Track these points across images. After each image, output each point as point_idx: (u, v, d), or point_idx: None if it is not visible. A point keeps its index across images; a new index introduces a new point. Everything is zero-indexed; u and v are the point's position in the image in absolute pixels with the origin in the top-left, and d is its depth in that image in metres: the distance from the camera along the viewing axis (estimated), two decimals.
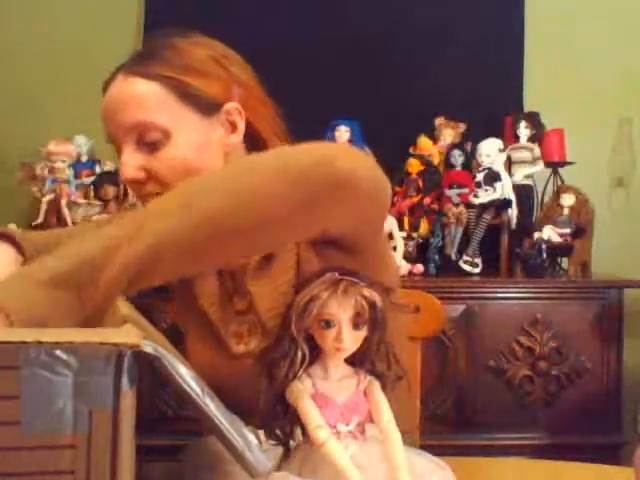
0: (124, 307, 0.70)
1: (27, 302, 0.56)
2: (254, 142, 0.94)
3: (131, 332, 0.45)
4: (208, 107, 0.89)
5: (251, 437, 0.52)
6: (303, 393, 0.59)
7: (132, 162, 0.86)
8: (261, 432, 0.61)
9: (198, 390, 0.48)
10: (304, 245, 0.88)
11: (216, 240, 0.65)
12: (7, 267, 0.82)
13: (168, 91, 0.87)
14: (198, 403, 0.48)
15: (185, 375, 0.47)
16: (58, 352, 0.41)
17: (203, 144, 0.88)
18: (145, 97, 0.86)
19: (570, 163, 2.38)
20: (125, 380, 0.43)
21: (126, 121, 0.86)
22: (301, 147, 0.70)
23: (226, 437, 0.51)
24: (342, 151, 0.70)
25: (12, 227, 2.19)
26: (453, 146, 2.37)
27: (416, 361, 1.19)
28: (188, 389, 0.47)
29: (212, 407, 0.49)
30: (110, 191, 2.26)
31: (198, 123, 0.88)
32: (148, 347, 0.43)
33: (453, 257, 2.23)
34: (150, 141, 0.86)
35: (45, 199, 2.27)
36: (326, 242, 0.81)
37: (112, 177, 2.30)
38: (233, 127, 0.91)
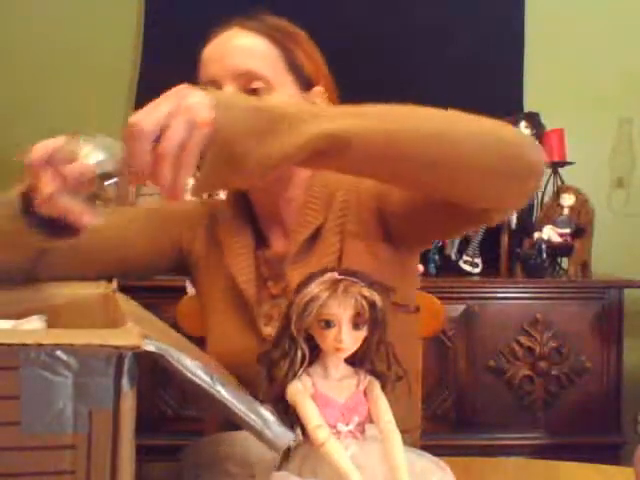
0: (127, 304, 0.69)
1: (231, 107, 0.62)
2: None
3: (132, 332, 0.45)
4: (305, 83, 0.94)
5: (267, 414, 0.53)
6: (303, 393, 0.59)
7: None
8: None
9: (207, 379, 0.48)
10: (352, 235, 0.91)
11: (400, 162, 0.67)
12: None
13: (278, 52, 0.92)
14: (209, 391, 0.48)
15: (192, 367, 0.47)
16: (58, 353, 0.41)
17: None
18: (258, 48, 0.91)
19: (570, 163, 2.38)
20: (125, 381, 0.43)
21: (237, 66, 0.89)
22: (507, 125, 0.73)
23: (243, 419, 0.51)
24: (537, 145, 0.76)
25: None
26: None
27: (419, 362, 1.19)
28: (197, 380, 0.47)
29: (224, 392, 0.49)
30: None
31: (295, 92, 0.93)
32: (150, 345, 0.43)
33: (453, 257, 2.23)
34: (254, 88, 0.89)
35: None
36: (379, 237, 0.87)
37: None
38: None
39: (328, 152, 0.63)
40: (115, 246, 0.96)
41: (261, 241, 0.97)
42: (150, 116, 0.61)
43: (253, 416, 0.52)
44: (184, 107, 0.61)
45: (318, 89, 0.95)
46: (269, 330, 0.91)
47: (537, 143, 0.77)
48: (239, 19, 0.95)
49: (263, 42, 0.92)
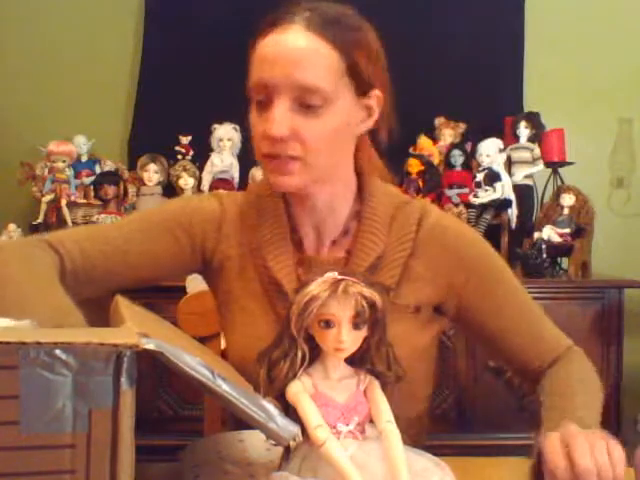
0: (126, 306, 0.69)
1: None
2: (374, 136, 0.96)
3: (130, 331, 0.45)
4: (363, 88, 0.89)
5: (270, 407, 0.53)
6: (303, 393, 0.59)
7: (286, 119, 0.84)
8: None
9: (208, 374, 0.48)
10: (413, 277, 0.91)
11: None
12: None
13: (342, 62, 0.86)
14: (210, 386, 0.48)
15: (192, 363, 0.47)
16: (57, 352, 0.41)
17: (349, 120, 0.89)
18: (324, 61, 0.85)
19: (570, 163, 2.38)
20: (124, 380, 0.43)
21: (297, 77, 0.84)
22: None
23: (246, 412, 0.51)
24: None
25: (12, 227, 2.19)
26: (453, 146, 2.37)
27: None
28: (198, 375, 0.48)
29: (225, 387, 0.49)
30: (110, 191, 2.26)
31: (352, 102, 0.89)
32: (149, 344, 0.43)
33: None
34: (310, 104, 0.84)
35: (45, 199, 2.27)
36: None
37: (112, 177, 2.31)
38: (369, 114, 0.92)
39: None
40: (138, 271, 0.94)
41: (295, 241, 0.95)
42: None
43: (257, 409, 0.52)
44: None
45: (375, 93, 0.91)
46: None
47: None
48: (302, 13, 0.87)
49: (329, 52, 0.86)
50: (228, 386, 0.50)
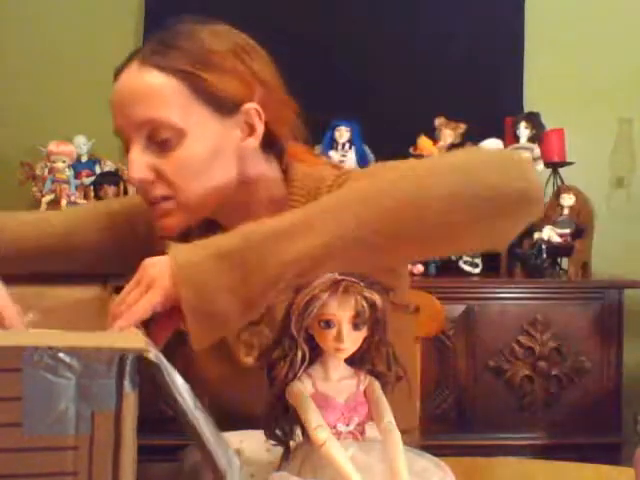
0: None
1: (193, 268, 0.60)
2: (271, 146, 0.89)
3: (136, 336, 0.45)
4: (226, 107, 0.83)
5: (235, 460, 0.51)
6: (303, 393, 0.59)
7: (141, 161, 0.81)
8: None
9: (190, 404, 0.47)
10: None
11: (388, 244, 0.67)
12: None
13: (185, 87, 0.81)
14: (188, 417, 0.47)
15: (181, 387, 0.46)
16: (61, 355, 0.42)
17: (218, 147, 0.82)
18: (159, 92, 0.80)
19: (570, 163, 2.38)
20: (127, 383, 0.43)
21: (138, 116, 0.80)
22: (487, 157, 0.71)
23: (210, 455, 0.49)
24: (527, 165, 0.71)
25: None
26: (453, 146, 2.37)
27: (416, 361, 1.19)
28: (181, 401, 0.46)
29: (201, 422, 0.48)
30: (110, 191, 2.26)
31: (214, 124, 0.82)
32: (150, 354, 0.43)
33: (453, 257, 2.23)
34: (162, 140, 0.80)
35: (45, 199, 2.27)
36: None
37: (112, 177, 2.30)
38: (251, 130, 0.85)
39: (305, 271, 0.64)
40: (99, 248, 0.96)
41: None
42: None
43: (220, 456, 0.49)
44: (145, 282, 0.63)
45: (249, 107, 0.84)
46: (250, 360, 0.87)
47: (527, 163, 0.73)
48: (139, 50, 0.86)
49: (165, 81, 0.80)
50: (203, 422, 0.48)
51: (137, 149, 0.81)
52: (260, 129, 0.85)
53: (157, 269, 0.63)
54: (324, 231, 0.63)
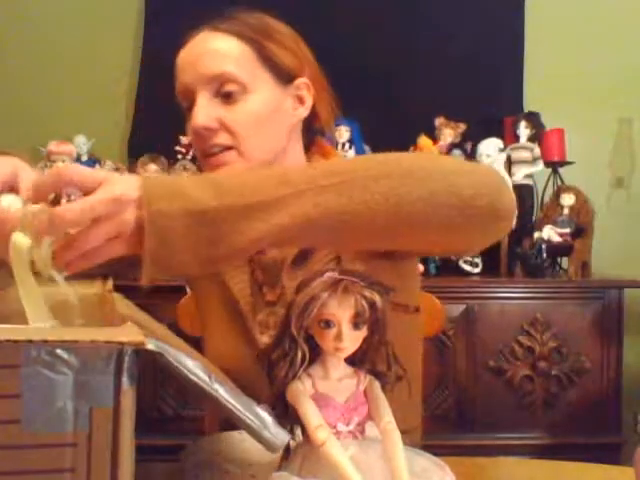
0: (123, 306, 0.69)
1: (164, 221, 0.58)
2: (310, 124, 0.97)
3: (133, 330, 0.45)
4: (283, 76, 0.91)
5: (265, 415, 0.53)
6: (303, 393, 0.59)
7: (207, 111, 0.87)
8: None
9: (206, 378, 0.48)
10: None
11: (358, 229, 0.67)
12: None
13: (251, 51, 0.89)
14: (208, 391, 0.48)
15: (191, 366, 0.47)
16: (59, 351, 0.41)
17: (275, 109, 0.90)
18: (229, 51, 0.89)
19: (570, 163, 2.38)
20: (125, 379, 0.43)
21: (209, 70, 0.87)
22: (463, 166, 0.72)
23: (241, 419, 0.51)
24: (502, 182, 0.73)
25: None
26: (453, 146, 2.37)
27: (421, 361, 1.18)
28: (195, 379, 0.48)
29: (222, 392, 0.49)
30: None
31: (273, 88, 0.90)
32: (150, 344, 0.43)
33: (453, 257, 2.23)
34: (228, 92, 0.87)
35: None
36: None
37: None
38: (301, 103, 0.93)
39: (269, 246, 0.64)
40: None
41: None
42: (78, 213, 0.60)
43: (251, 416, 0.52)
44: (112, 224, 0.59)
45: (301, 81, 0.93)
46: (265, 339, 0.89)
47: (504, 183, 0.74)
48: (210, 21, 0.93)
49: (234, 42, 0.89)
50: (225, 391, 0.50)
51: (204, 100, 0.88)
52: (309, 102, 0.94)
53: (125, 209, 0.59)
54: (296, 213, 0.63)
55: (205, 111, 0.87)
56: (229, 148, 0.88)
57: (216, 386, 0.49)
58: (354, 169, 0.67)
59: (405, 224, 0.69)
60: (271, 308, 0.91)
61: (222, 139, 0.88)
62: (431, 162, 0.72)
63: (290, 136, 0.93)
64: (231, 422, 0.54)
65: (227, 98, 0.88)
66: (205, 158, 0.90)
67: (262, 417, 0.53)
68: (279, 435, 0.54)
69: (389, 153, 0.71)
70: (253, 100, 0.88)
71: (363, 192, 0.65)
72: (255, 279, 0.93)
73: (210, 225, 0.60)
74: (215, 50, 0.89)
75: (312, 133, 0.98)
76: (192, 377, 0.47)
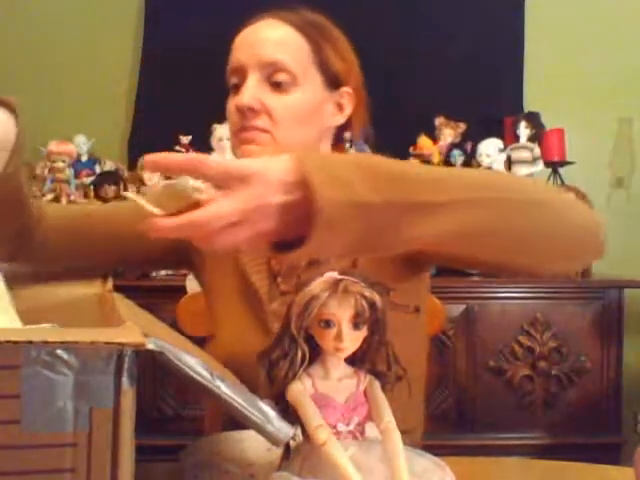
0: (123, 306, 0.69)
1: (332, 215, 0.56)
2: (341, 132, 1.00)
3: (132, 330, 0.45)
4: (331, 80, 0.94)
5: (268, 409, 0.54)
6: (303, 393, 0.59)
7: (254, 92, 0.90)
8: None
9: (207, 375, 0.48)
10: None
11: (502, 247, 0.69)
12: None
13: (308, 48, 0.92)
14: (210, 387, 0.49)
15: (192, 363, 0.47)
16: (59, 351, 0.41)
17: (317, 109, 0.93)
18: (288, 41, 0.92)
19: (570, 163, 2.38)
20: (125, 379, 0.43)
21: (265, 56, 0.90)
22: (568, 199, 0.75)
23: (244, 414, 0.52)
24: (600, 219, 0.76)
25: None
26: (453, 146, 2.37)
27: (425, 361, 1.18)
28: (197, 376, 0.48)
29: (224, 388, 0.50)
30: (110, 191, 2.26)
31: (319, 89, 0.93)
32: (149, 343, 0.43)
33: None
34: (277, 81, 0.90)
35: (45, 199, 2.27)
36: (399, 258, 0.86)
37: (112, 177, 2.30)
38: (340, 109, 0.96)
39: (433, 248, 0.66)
40: (109, 219, 0.97)
41: None
42: (220, 211, 0.56)
43: (254, 411, 0.52)
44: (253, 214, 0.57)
45: (345, 90, 0.96)
46: (277, 328, 0.90)
47: (589, 205, 0.80)
48: (274, 9, 0.95)
49: (295, 35, 0.92)
50: (227, 387, 0.50)
51: (254, 82, 0.90)
52: (347, 111, 0.97)
53: (276, 196, 0.56)
54: (454, 221, 0.63)
55: (252, 92, 0.89)
56: (265, 131, 0.90)
57: (218, 382, 0.49)
58: (508, 187, 0.68)
59: (544, 252, 0.72)
60: (284, 298, 0.92)
61: (261, 122, 0.90)
62: (560, 194, 0.77)
63: (322, 138, 0.96)
64: (234, 419, 0.54)
65: (276, 86, 0.90)
66: (239, 133, 0.92)
67: (265, 411, 0.53)
68: (283, 429, 0.54)
69: (526, 178, 0.72)
70: (299, 94, 0.91)
71: (519, 215, 0.67)
72: (271, 269, 0.94)
73: (371, 219, 0.59)
74: (275, 38, 0.91)
75: (339, 140, 1.01)
76: (193, 374, 0.47)
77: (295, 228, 0.57)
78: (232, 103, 0.92)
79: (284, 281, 0.93)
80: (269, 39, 0.92)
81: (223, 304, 0.98)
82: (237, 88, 0.92)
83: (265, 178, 0.56)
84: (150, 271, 2.01)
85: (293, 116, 0.90)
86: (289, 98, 0.90)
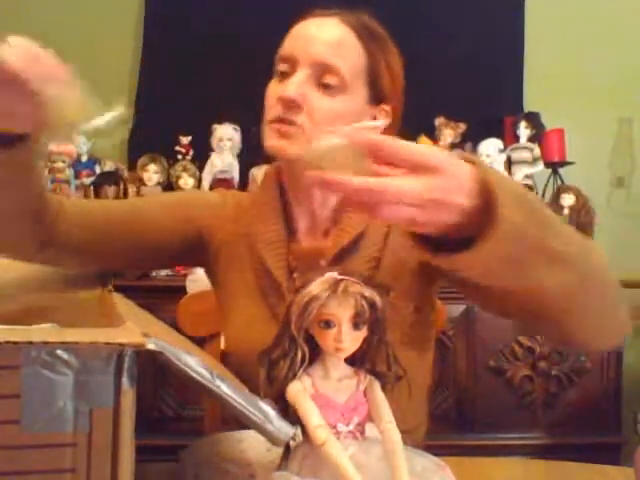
0: (123, 306, 0.69)
1: (505, 234, 0.58)
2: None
3: (132, 331, 0.45)
4: (376, 97, 0.94)
5: (268, 409, 0.54)
6: (303, 393, 0.59)
7: (301, 86, 0.88)
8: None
9: (207, 375, 0.49)
10: (393, 251, 0.92)
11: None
12: None
13: (365, 60, 0.92)
14: (209, 387, 0.49)
15: (192, 363, 0.47)
16: (59, 352, 0.42)
17: (355, 119, 0.91)
18: (349, 49, 0.91)
19: (570, 163, 2.38)
20: (125, 379, 0.43)
21: (322, 56, 0.89)
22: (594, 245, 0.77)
23: (244, 413, 0.52)
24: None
25: None
26: (453, 146, 2.37)
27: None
28: (197, 376, 0.48)
29: (224, 387, 0.50)
30: (110, 191, 2.26)
31: (363, 102, 0.93)
32: (150, 344, 0.43)
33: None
34: (325, 83, 0.89)
35: None
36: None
37: (112, 177, 2.30)
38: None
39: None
40: (131, 219, 0.96)
41: (290, 232, 0.97)
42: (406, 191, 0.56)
43: (254, 411, 0.52)
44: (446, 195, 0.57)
45: (385, 108, 0.96)
46: None
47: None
48: (341, 9, 0.94)
49: (354, 42, 0.91)
50: (227, 387, 0.50)
51: (302, 76, 0.89)
52: (380, 130, 0.95)
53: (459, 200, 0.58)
54: (554, 275, 0.65)
55: (299, 87, 0.88)
56: (300, 128, 0.89)
57: (218, 382, 0.49)
58: (585, 251, 0.71)
59: (604, 329, 0.77)
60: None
61: (299, 118, 0.89)
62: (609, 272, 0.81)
63: None
64: (234, 419, 0.54)
65: (324, 87, 0.89)
66: (274, 123, 0.91)
67: (265, 411, 0.53)
68: (283, 428, 0.54)
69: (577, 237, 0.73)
70: (342, 101, 0.90)
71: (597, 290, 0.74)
72: (288, 264, 0.94)
73: (520, 247, 0.60)
74: (336, 40, 0.90)
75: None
76: (193, 374, 0.48)
77: (455, 231, 0.59)
78: (274, 90, 0.91)
79: (300, 277, 0.93)
80: (327, 40, 0.90)
81: (235, 296, 0.98)
82: (283, 76, 0.91)
83: (457, 177, 0.58)
84: (165, 268, 2.01)
85: (333, 121, 0.89)
86: (334, 102, 0.90)
